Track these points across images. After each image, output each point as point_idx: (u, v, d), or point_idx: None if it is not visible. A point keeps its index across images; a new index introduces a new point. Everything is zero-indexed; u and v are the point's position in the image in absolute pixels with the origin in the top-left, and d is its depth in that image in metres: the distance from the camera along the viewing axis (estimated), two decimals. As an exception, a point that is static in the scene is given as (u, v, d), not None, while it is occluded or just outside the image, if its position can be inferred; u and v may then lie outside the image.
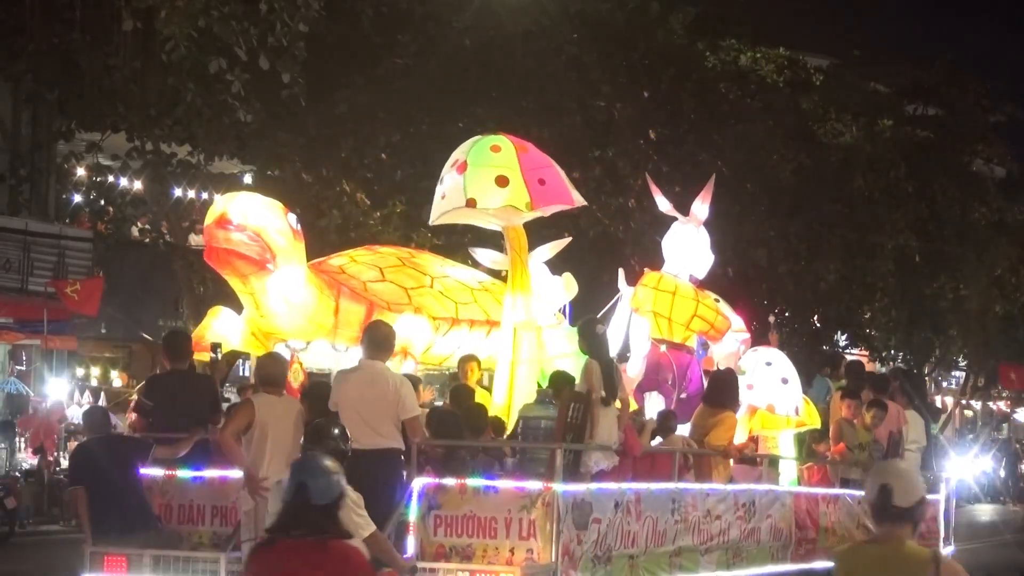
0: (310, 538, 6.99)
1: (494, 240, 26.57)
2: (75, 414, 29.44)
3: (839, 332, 42.58)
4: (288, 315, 16.31)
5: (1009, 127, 45.91)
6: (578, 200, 16.92)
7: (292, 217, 15.91)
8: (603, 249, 30.08)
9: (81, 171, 29.74)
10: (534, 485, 12.03)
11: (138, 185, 28.36)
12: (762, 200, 33.45)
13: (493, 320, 17.46)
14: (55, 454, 27.33)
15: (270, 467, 11.86)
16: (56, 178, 31.08)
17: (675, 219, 18.28)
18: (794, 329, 37.95)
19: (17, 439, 28.06)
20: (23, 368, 29.40)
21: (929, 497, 18.24)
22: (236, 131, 26.09)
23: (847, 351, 40.26)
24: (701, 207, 18.13)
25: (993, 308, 43.18)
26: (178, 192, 28.36)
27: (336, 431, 10.32)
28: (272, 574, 7.07)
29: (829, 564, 16.23)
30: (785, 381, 17.83)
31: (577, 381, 13.55)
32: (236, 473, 12.64)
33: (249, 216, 15.19)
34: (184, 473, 13.63)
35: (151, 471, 13.46)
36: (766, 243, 33.69)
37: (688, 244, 17.98)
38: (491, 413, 15.01)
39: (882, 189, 38.91)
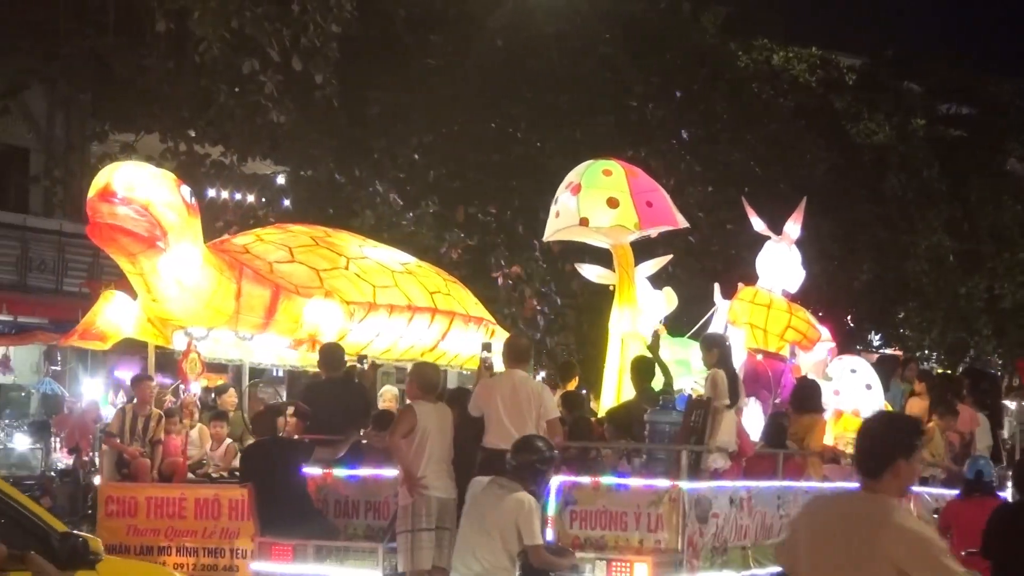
0: None
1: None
2: (110, 414, 29.40)
3: (872, 332, 42.26)
4: (182, 299, 15.37)
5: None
6: (681, 222, 18.30)
7: (186, 190, 15.04)
8: (637, 250, 29.95)
9: (115, 172, 29.68)
10: (662, 483, 12.97)
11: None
12: (794, 200, 33.21)
13: (416, 306, 17.03)
14: (90, 454, 27.26)
15: (427, 468, 12.97)
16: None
17: (768, 238, 19.48)
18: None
19: (52, 439, 28.01)
20: (58, 368, 29.32)
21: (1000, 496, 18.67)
22: (269, 132, 26.00)
23: (880, 351, 39.93)
24: (793, 227, 19.39)
25: (1028, 307, 42.78)
26: (211, 193, 28.25)
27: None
28: None
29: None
30: (869, 387, 19.35)
31: (702, 390, 14.58)
32: (388, 472, 13.77)
33: (136, 188, 14.35)
34: (340, 472, 14.44)
35: (311, 470, 14.30)
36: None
37: (780, 261, 19.22)
38: (599, 415, 16.23)
39: (915, 188, 38.68)
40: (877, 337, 42.64)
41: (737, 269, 30.47)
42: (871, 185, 37.26)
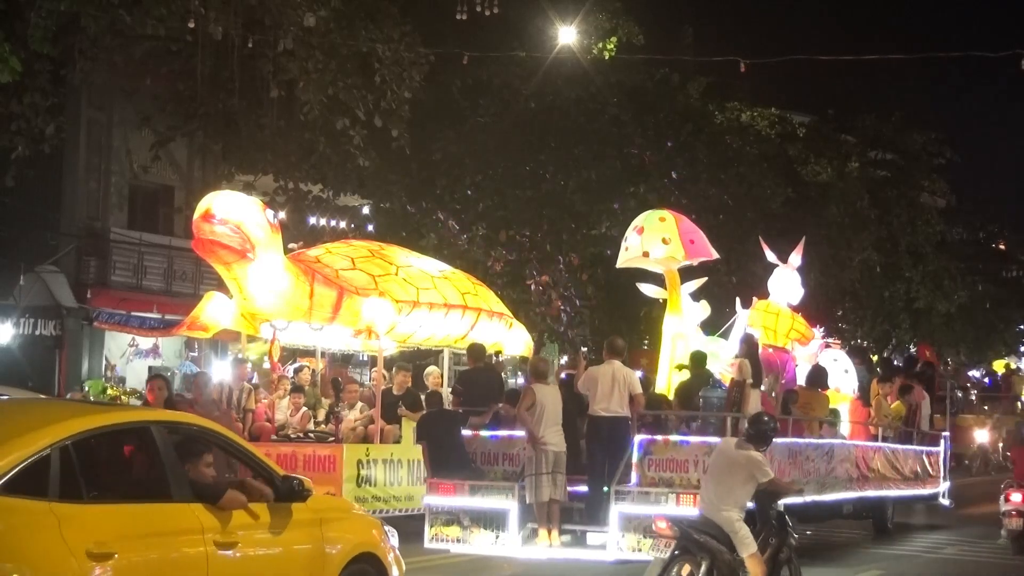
0: None
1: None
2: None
3: (817, 326, 41.97)
4: (267, 298, 15.32)
5: (948, 168, 45.26)
6: (714, 254, 18.86)
7: (270, 212, 15.08)
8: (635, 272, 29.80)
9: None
10: (713, 439, 13.40)
11: (282, 215, 28.33)
12: (758, 225, 32.97)
13: (450, 303, 16.91)
14: (219, 420, 27.15)
15: (545, 430, 13.74)
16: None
17: (776, 265, 20.20)
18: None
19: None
20: (195, 354, 29.35)
21: (934, 449, 20.30)
22: (357, 174, 26.01)
23: (824, 339, 39.68)
24: (795, 257, 20.11)
25: (936, 307, 42.53)
26: (312, 220, 28.25)
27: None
28: None
29: (877, 493, 18.04)
30: (847, 371, 20.47)
31: (735, 374, 15.11)
32: (518, 433, 14.27)
33: (231, 211, 14.33)
34: (486, 433, 14.98)
35: (466, 432, 14.89)
36: (760, 258, 33.22)
37: (786, 282, 19.90)
38: (655, 392, 16.63)
39: (851, 216, 38.46)
40: (821, 330, 42.38)
41: (713, 277, 30.39)
42: (817, 213, 37.02)
